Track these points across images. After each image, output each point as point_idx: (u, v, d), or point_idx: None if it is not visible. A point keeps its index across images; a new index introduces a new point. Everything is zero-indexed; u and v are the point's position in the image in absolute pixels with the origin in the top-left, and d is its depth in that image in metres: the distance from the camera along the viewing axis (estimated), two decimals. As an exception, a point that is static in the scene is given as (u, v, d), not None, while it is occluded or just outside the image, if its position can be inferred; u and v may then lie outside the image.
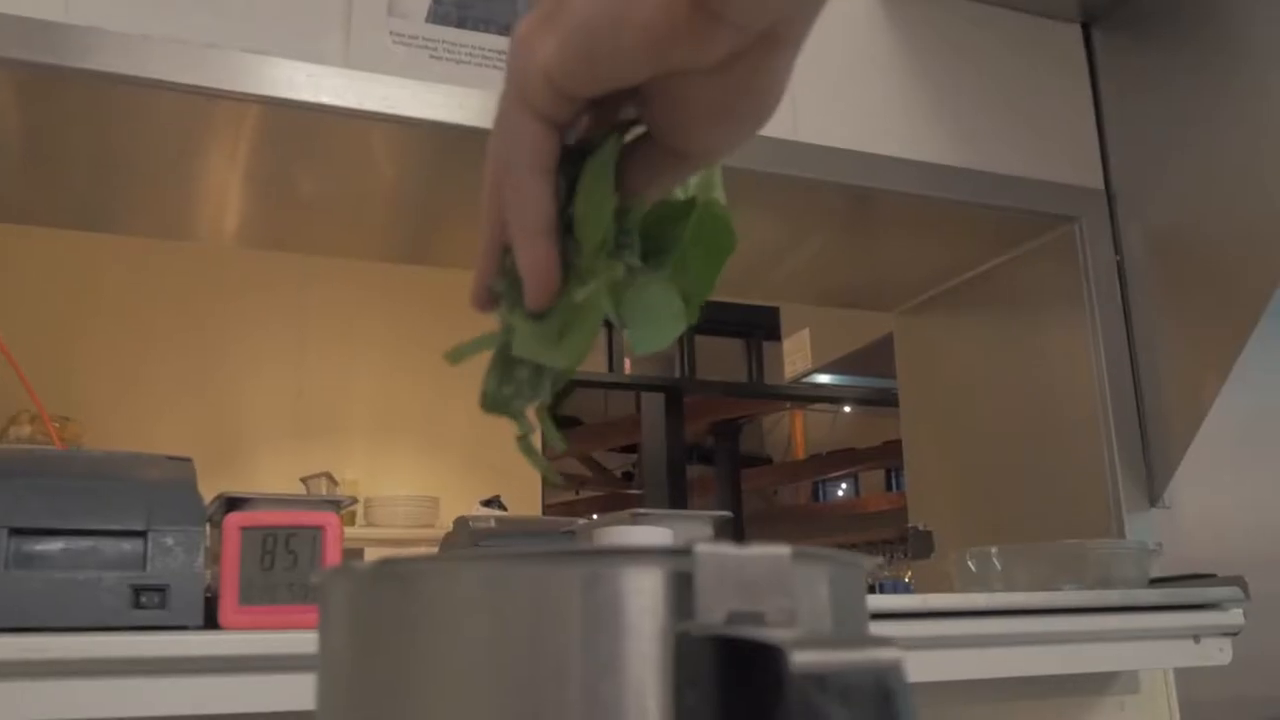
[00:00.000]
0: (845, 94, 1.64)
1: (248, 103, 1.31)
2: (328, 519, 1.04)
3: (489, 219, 0.53)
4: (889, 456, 8.66)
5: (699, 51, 0.46)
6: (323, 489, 4.07)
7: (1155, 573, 1.49)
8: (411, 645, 0.41)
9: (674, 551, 0.40)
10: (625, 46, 0.46)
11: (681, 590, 0.39)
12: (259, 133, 1.41)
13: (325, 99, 1.31)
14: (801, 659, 0.33)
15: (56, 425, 3.75)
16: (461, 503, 3.85)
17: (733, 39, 0.46)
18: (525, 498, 4.69)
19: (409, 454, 4.78)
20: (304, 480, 4.10)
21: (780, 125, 1.53)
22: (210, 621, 1.00)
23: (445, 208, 1.63)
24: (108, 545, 0.98)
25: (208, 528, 1.06)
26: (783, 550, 0.40)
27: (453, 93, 1.35)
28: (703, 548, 0.39)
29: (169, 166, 1.50)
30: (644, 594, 0.39)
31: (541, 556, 0.41)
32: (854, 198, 1.69)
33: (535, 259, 0.50)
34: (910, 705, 0.33)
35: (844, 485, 11.53)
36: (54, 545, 0.97)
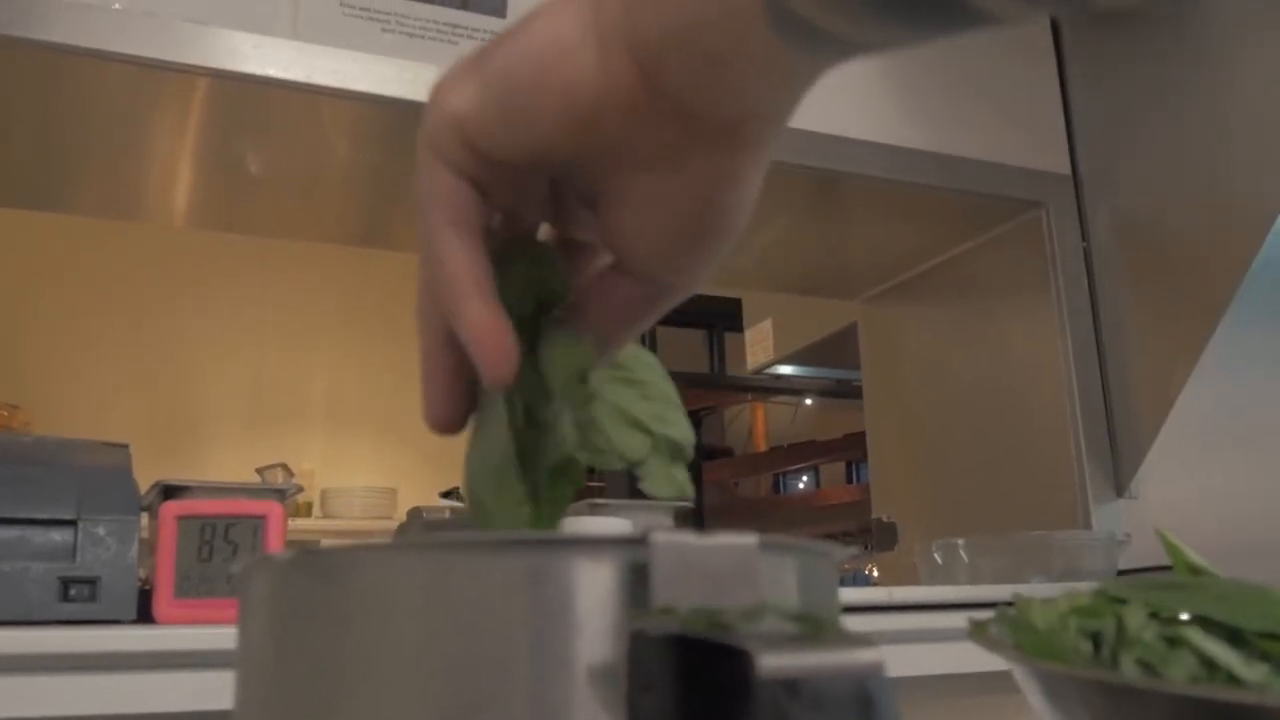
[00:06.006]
0: (811, 75, 1.60)
1: (193, 75, 1.26)
2: (270, 508, 0.99)
3: (422, 310, 0.44)
4: (849, 449, 8.64)
5: (638, 134, 0.41)
6: (278, 480, 4.01)
7: (1123, 564, 1.46)
8: (335, 645, 0.37)
9: (628, 541, 0.36)
10: (544, 105, 0.40)
11: (637, 584, 0.35)
12: (206, 107, 1.36)
13: (273, 71, 1.26)
14: (770, 663, 0.29)
15: (4, 414, 3.68)
16: (420, 494, 3.78)
17: (681, 128, 0.41)
18: (484, 490, 4.63)
19: (367, 445, 4.72)
20: (259, 471, 4.03)
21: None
22: (144, 615, 0.96)
23: (399, 187, 1.57)
24: (35, 535, 0.93)
25: (144, 517, 1.01)
26: (748, 540, 0.37)
27: (405, 67, 1.31)
28: (660, 537, 0.35)
29: (115, 142, 1.45)
30: (595, 588, 0.35)
31: (480, 546, 0.37)
32: (818, 181, 1.66)
33: (476, 322, 0.41)
34: (893, 712, 0.29)
35: (804, 478, 11.54)
36: (-21, 535, 0.92)
